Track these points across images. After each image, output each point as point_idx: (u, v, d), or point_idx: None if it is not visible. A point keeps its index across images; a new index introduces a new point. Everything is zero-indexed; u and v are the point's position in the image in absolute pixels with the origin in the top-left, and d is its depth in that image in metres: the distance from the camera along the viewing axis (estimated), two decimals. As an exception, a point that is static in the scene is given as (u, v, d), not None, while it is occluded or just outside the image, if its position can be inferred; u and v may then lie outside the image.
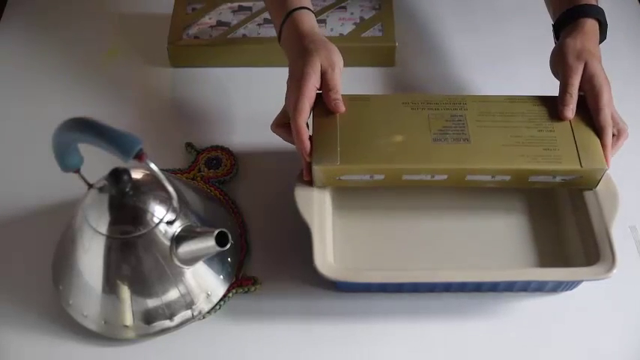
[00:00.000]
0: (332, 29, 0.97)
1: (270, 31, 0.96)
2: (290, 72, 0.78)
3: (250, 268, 0.79)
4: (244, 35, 0.97)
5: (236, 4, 1.00)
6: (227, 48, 0.97)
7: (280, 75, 0.98)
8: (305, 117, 0.75)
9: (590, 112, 0.77)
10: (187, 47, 0.96)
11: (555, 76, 0.81)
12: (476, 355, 0.74)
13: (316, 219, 0.74)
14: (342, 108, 0.77)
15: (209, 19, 0.98)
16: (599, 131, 0.76)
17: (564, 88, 0.78)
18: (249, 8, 0.99)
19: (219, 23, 0.98)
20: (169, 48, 0.96)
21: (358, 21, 0.98)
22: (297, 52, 0.78)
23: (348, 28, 0.97)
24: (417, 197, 0.82)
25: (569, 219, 0.79)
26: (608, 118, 0.76)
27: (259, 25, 0.98)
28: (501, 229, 0.80)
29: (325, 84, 0.77)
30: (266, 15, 0.98)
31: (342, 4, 1.00)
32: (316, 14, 0.97)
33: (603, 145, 0.76)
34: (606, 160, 0.75)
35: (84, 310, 0.73)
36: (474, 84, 0.96)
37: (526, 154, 0.75)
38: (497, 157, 0.75)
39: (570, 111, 0.77)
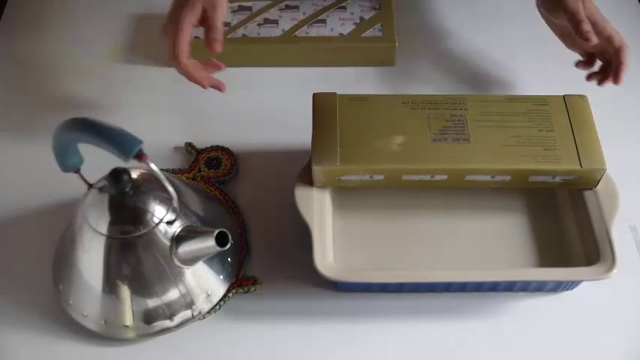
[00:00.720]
0: (332, 29, 0.97)
1: (271, 31, 0.96)
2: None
3: (250, 268, 0.79)
4: (244, 35, 0.97)
5: (236, 4, 1.00)
6: (227, 48, 0.97)
7: (281, 75, 0.98)
8: (186, 54, 0.79)
9: (587, 111, 0.78)
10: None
11: (549, 24, 0.88)
12: (476, 355, 0.74)
13: (316, 219, 0.74)
14: (219, 48, 0.79)
15: None
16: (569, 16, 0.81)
17: (577, 21, 0.81)
18: (249, 8, 0.99)
19: None
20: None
21: (358, 21, 0.98)
22: None
23: (348, 28, 0.97)
24: (417, 197, 0.81)
25: (569, 219, 0.79)
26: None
27: (259, 25, 0.97)
28: (501, 229, 0.80)
29: (205, 23, 0.79)
30: (266, 15, 0.98)
31: (342, 4, 1.00)
32: (316, 14, 0.97)
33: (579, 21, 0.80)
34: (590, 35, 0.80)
35: (84, 310, 0.73)
36: (474, 84, 0.96)
37: (526, 154, 0.75)
38: (497, 157, 0.75)
39: (593, 34, 0.80)
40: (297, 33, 0.97)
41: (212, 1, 0.79)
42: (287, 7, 0.99)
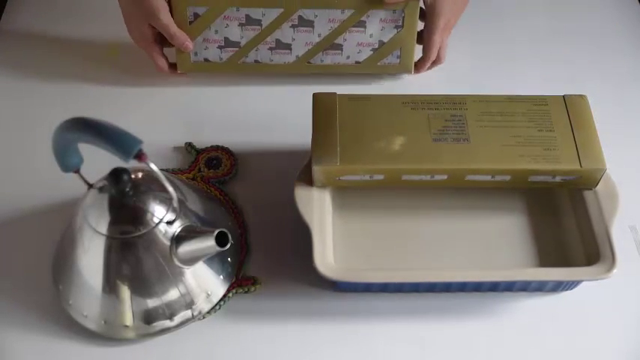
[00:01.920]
0: (348, 57, 0.92)
1: (284, 57, 0.92)
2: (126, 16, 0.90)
3: (250, 268, 0.79)
4: (256, 61, 0.93)
5: (243, 14, 0.88)
6: (238, 71, 0.94)
7: (281, 75, 0.98)
8: (166, 66, 0.93)
9: (587, 111, 0.78)
10: (197, 68, 0.94)
11: None
12: (476, 355, 0.74)
13: (316, 219, 0.74)
14: (190, 46, 0.90)
15: (215, 33, 0.90)
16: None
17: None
18: (259, 22, 0.89)
19: (228, 43, 0.91)
20: (180, 72, 0.94)
21: (377, 46, 0.91)
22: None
23: (364, 55, 0.92)
24: (417, 197, 0.81)
25: (569, 219, 0.79)
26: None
27: (271, 49, 0.91)
28: (501, 229, 0.80)
29: (164, 33, 0.88)
30: (277, 35, 0.90)
31: (362, 19, 0.89)
32: (332, 35, 0.91)
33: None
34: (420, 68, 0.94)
35: (84, 310, 0.73)
36: (474, 84, 0.96)
37: (526, 154, 0.75)
38: (497, 157, 0.75)
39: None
40: (311, 60, 0.92)
41: (151, 16, 0.86)
42: (300, 20, 0.89)
